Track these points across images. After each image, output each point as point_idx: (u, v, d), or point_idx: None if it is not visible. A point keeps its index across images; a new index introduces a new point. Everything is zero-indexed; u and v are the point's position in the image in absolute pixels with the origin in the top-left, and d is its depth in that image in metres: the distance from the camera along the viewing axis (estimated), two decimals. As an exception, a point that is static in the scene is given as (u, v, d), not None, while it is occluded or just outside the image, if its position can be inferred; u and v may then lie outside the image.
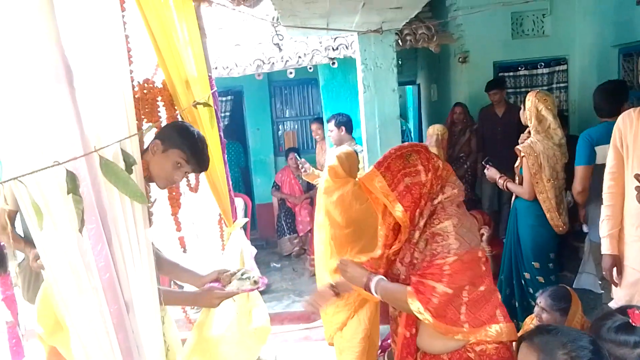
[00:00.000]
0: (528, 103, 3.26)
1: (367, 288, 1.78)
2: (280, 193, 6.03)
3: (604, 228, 2.49)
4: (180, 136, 1.81)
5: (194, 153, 1.80)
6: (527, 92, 5.80)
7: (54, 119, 1.12)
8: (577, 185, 3.07)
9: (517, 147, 3.29)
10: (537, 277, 3.37)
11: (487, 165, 3.63)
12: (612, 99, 3.04)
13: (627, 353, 1.42)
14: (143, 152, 1.82)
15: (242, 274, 1.98)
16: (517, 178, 3.41)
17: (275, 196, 6.17)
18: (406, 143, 1.79)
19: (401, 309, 1.79)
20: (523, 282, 3.44)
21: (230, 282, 1.94)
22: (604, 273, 2.51)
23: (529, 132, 3.34)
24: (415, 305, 1.64)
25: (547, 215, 3.27)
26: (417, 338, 1.83)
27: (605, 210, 2.50)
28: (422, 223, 1.69)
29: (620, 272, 2.45)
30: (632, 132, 2.34)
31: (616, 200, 2.44)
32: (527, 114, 3.27)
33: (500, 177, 3.47)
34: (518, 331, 2.67)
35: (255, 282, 1.95)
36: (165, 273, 2.13)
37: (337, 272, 1.99)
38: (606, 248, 2.48)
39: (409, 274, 1.74)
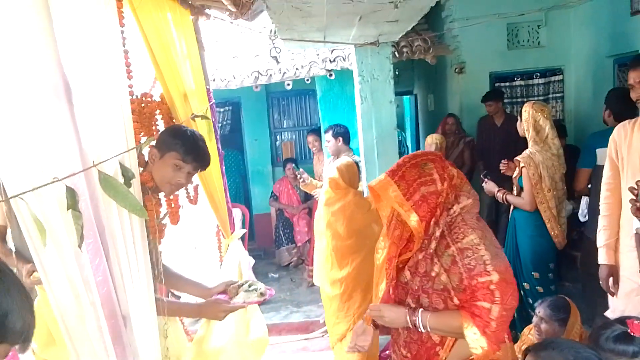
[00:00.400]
0: (525, 114, 3.28)
1: (413, 325, 1.71)
2: (278, 203, 6.04)
3: (601, 238, 2.51)
4: (173, 138, 1.82)
5: (189, 151, 1.80)
6: (524, 102, 5.85)
7: (52, 135, 1.13)
8: (577, 185, 3.40)
9: (517, 158, 3.30)
10: (536, 287, 3.38)
11: (486, 179, 3.64)
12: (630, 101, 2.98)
13: None
14: (145, 164, 1.84)
15: (249, 286, 1.98)
16: (515, 189, 3.42)
17: (273, 206, 6.18)
18: (419, 151, 1.77)
19: (450, 335, 1.72)
20: (522, 292, 3.43)
21: (237, 294, 1.94)
22: (600, 283, 2.51)
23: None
24: (471, 331, 1.59)
25: (548, 225, 3.28)
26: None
27: (602, 221, 2.52)
28: (437, 233, 1.67)
29: (616, 282, 2.46)
30: (626, 143, 2.36)
31: (612, 211, 2.46)
32: (525, 125, 3.29)
33: (499, 191, 3.48)
34: (516, 341, 2.68)
35: (262, 294, 1.94)
36: (172, 285, 2.13)
37: (360, 311, 1.94)
38: (603, 258, 2.49)
39: (421, 286, 1.72)
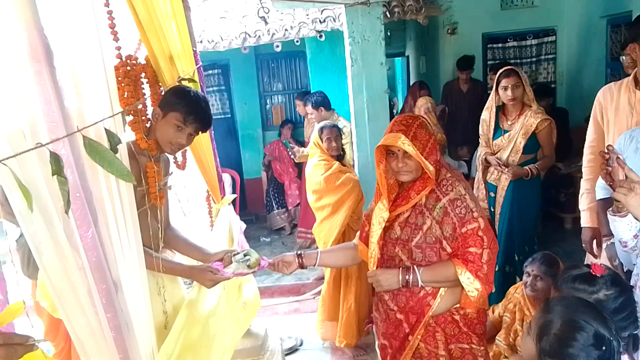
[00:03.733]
0: (520, 75, 3.26)
1: (408, 284, 1.82)
2: (270, 156, 6.06)
3: (583, 201, 2.54)
4: (176, 98, 1.86)
5: (190, 112, 1.83)
6: (516, 64, 5.82)
7: (34, 100, 1.10)
8: None
9: (541, 117, 3.25)
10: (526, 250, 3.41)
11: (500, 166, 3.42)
12: None
13: (584, 297, 1.50)
14: (149, 131, 1.87)
15: (244, 255, 1.99)
16: (517, 157, 3.33)
17: (264, 170, 6.18)
18: (410, 116, 1.87)
19: (443, 285, 1.84)
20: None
21: (230, 263, 1.96)
22: (583, 245, 2.56)
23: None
24: (466, 276, 1.75)
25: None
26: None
27: (584, 184, 2.54)
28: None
29: (599, 245, 2.50)
30: (612, 106, 2.36)
31: (595, 174, 2.47)
32: (526, 88, 3.29)
33: (529, 168, 3.32)
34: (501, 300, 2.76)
35: (250, 267, 1.95)
36: (176, 247, 2.15)
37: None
38: (585, 221, 2.53)
39: (412, 238, 1.83)
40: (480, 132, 3.54)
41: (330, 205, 3.34)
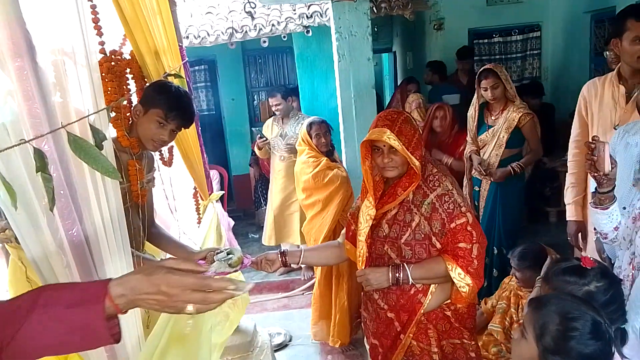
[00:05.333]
0: (498, 75, 3.29)
1: (399, 282, 1.81)
2: (256, 162, 6.03)
3: (569, 195, 2.57)
4: (157, 93, 1.82)
5: (172, 108, 1.79)
6: (502, 59, 5.84)
7: (16, 95, 1.09)
8: None
9: (522, 111, 3.30)
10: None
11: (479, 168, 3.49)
12: None
13: (575, 289, 1.52)
14: (131, 127, 1.84)
15: (227, 254, 1.95)
16: (500, 151, 3.37)
17: (253, 167, 6.15)
18: (394, 111, 1.87)
19: (433, 282, 1.84)
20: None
21: (212, 262, 1.93)
22: (569, 239, 2.60)
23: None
24: (457, 271, 1.74)
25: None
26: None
27: (570, 178, 2.58)
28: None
29: (585, 238, 2.54)
30: (597, 100, 2.39)
31: (580, 168, 2.51)
32: (507, 85, 3.31)
33: (511, 167, 3.37)
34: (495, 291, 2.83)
35: (231, 266, 1.91)
36: (159, 246, 2.13)
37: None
38: (571, 214, 2.57)
39: (401, 235, 1.82)
40: (467, 127, 3.59)
41: (321, 202, 3.33)
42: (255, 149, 4.69)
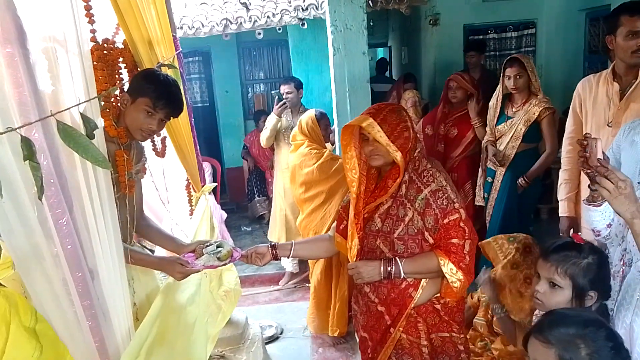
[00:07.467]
0: (524, 65, 3.27)
1: (390, 275, 1.81)
2: (249, 155, 5.99)
3: (562, 191, 2.59)
4: (145, 82, 1.79)
5: (160, 97, 1.77)
6: (497, 55, 5.81)
7: (5, 82, 1.07)
8: None
9: (544, 105, 3.28)
10: None
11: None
12: None
13: (577, 262, 1.59)
14: (119, 117, 1.80)
15: (216, 247, 1.94)
16: (517, 143, 3.35)
17: (245, 159, 6.13)
18: (385, 102, 1.87)
19: (425, 276, 1.85)
20: None
21: (201, 255, 1.91)
22: (561, 234, 2.61)
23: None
24: (449, 267, 1.76)
25: None
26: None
27: (563, 174, 2.59)
28: (406, 176, 1.80)
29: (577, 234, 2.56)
30: (591, 97, 2.40)
31: (573, 165, 2.53)
32: (532, 77, 3.29)
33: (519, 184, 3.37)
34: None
35: (220, 259, 1.90)
36: (149, 237, 2.11)
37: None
38: (563, 210, 2.58)
39: (394, 230, 1.81)
40: (487, 118, 3.58)
41: (323, 194, 3.26)
42: (268, 124, 4.36)
